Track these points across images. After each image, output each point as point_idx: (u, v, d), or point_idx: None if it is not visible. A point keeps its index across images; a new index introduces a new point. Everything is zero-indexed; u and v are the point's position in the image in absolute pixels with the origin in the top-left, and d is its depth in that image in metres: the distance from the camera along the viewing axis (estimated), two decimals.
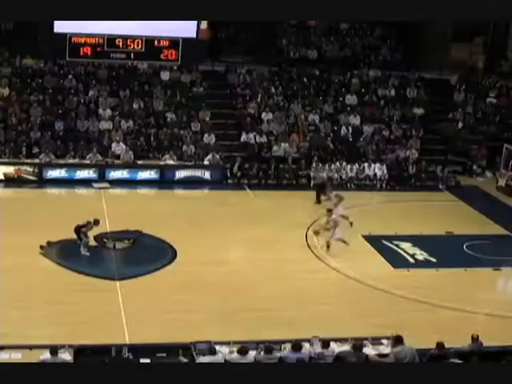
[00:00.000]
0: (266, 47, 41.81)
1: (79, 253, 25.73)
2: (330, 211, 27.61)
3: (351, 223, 28.82)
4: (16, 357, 17.23)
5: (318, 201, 32.21)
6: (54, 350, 16.67)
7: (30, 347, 17.48)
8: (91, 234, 26.38)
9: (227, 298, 23.08)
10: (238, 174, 34.56)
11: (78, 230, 25.87)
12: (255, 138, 36.69)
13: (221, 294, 23.30)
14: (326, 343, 17.79)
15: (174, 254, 26.11)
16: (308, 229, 29.04)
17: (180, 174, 34.01)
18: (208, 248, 26.60)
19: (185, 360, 17.06)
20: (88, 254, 25.69)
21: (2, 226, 27.16)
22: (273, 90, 39.18)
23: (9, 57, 37.47)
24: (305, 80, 40.20)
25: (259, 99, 38.38)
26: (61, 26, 34.61)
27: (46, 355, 16.66)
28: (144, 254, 26.48)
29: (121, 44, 35.57)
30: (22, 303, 21.79)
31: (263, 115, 37.71)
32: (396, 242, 28.44)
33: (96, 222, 26.06)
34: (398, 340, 17.32)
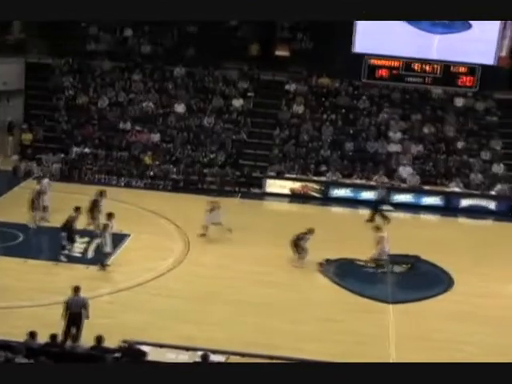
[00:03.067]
0: None
1: (357, 272, 25.96)
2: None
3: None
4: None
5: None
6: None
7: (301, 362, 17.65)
8: (369, 256, 26.48)
9: (505, 333, 21.97)
10: None
11: (296, 241, 26.15)
12: None
13: (498, 328, 22.24)
14: None
15: (451, 283, 25.41)
16: None
17: (465, 203, 33.14)
18: (487, 280, 25.62)
19: None
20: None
21: (284, 239, 27.84)
22: None
23: (306, 75, 38.43)
24: None
25: None
26: (360, 47, 35.21)
27: None
28: (420, 279, 26.06)
29: (417, 68, 35.48)
30: (295, 317, 22.22)
31: None
32: None
33: (311, 231, 26.24)
34: None
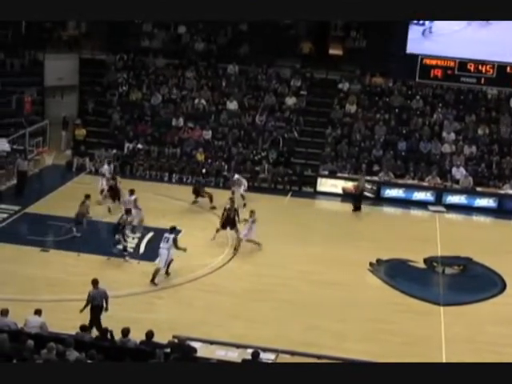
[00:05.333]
0: None
1: (408, 273, 25.88)
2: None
3: None
4: None
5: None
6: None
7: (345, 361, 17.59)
8: (420, 257, 26.29)
9: None
10: None
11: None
12: None
13: None
14: None
15: (503, 286, 25.12)
16: None
17: None
18: None
19: None
20: None
21: (335, 239, 27.85)
22: None
23: (359, 74, 38.28)
24: None
25: None
26: (414, 47, 35.06)
27: None
28: (472, 282, 25.80)
29: (472, 68, 35.19)
30: (345, 317, 22.15)
31: None
32: None
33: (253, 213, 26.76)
34: None
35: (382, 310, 22.83)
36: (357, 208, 31.84)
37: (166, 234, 24.00)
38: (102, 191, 30.18)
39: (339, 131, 36.13)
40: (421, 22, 34.91)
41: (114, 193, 29.46)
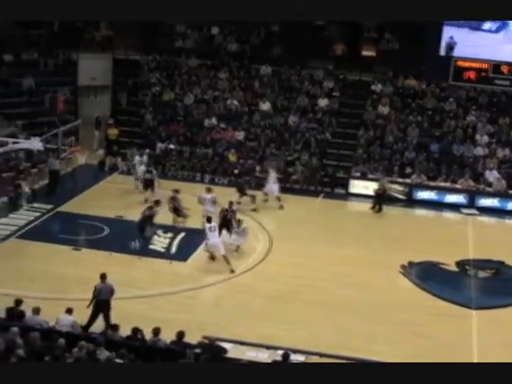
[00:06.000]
0: None
1: (440, 276, 25.67)
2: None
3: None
4: None
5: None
6: None
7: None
8: (452, 260, 26.10)
9: None
10: None
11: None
12: None
13: None
14: None
15: None
16: None
17: None
18: None
19: None
20: None
21: (367, 241, 27.74)
22: None
23: (392, 76, 38.11)
24: None
25: None
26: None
27: None
28: (505, 285, 25.55)
29: (506, 71, 35.01)
30: (374, 319, 21.97)
31: None
32: None
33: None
34: None
35: (413, 313, 22.69)
36: (373, 207, 31.72)
37: (213, 224, 24.93)
38: (136, 179, 31.31)
39: (372, 133, 35.99)
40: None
41: (148, 183, 30.20)
